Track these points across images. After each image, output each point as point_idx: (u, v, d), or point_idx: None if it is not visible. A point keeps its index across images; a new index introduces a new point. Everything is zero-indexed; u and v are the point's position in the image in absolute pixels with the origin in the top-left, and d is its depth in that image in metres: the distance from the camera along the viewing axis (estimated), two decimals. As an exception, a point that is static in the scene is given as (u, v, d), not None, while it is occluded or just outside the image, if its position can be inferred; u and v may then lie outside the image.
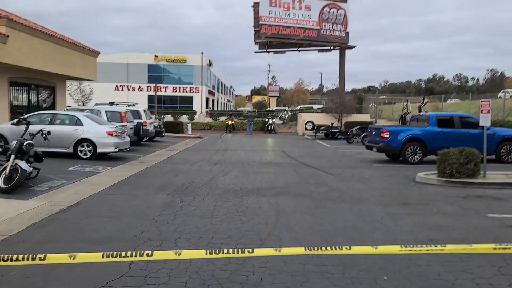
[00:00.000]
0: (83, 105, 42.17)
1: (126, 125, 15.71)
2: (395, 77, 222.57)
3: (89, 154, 13.63)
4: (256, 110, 48.57)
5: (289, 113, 42.56)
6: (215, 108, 65.35)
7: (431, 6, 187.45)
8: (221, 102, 78.62)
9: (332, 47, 44.42)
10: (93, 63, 27.21)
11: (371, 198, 8.48)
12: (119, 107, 19.58)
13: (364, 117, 32.92)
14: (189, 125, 30.89)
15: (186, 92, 57.76)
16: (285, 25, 42.18)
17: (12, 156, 8.36)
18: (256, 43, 45.50)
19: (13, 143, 8.64)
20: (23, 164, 8.33)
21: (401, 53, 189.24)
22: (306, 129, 31.54)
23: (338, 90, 37.34)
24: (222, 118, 40.74)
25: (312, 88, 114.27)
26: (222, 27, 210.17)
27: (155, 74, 57.76)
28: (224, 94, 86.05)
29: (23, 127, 13.57)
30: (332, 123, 29.48)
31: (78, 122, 13.92)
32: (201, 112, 45.64)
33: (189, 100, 57.32)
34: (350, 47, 44.29)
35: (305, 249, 3.31)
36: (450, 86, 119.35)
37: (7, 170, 8.25)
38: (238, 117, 40.98)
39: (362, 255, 4.98)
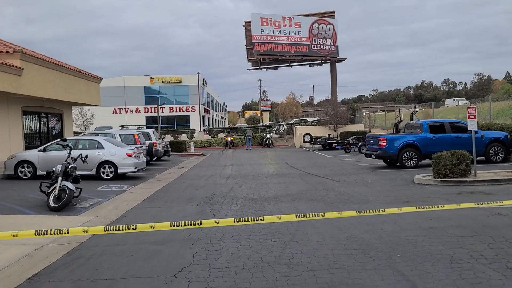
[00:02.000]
0: (85, 129, 43.31)
1: (142, 146, 16.81)
2: (384, 86, 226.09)
3: (110, 175, 14.69)
4: (252, 126, 49.81)
5: (285, 127, 43.82)
6: (211, 126, 66.60)
7: (415, 14, 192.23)
8: (215, 119, 79.90)
9: (323, 61, 46.08)
10: (97, 88, 28.44)
11: (376, 199, 9.65)
12: (130, 129, 20.66)
13: (358, 127, 34.25)
14: (192, 143, 32.04)
15: (183, 111, 59.00)
16: (277, 42, 43.81)
17: (60, 178, 9.42)
18: (249, 60, 47.05)
19: (58, 167, 9.69)
20: (70, 185, 9.41)
21: (388, 62, 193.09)
22: (304, 141, 32.82)
23: (331, 102, 38.80)
24: (221, 135, 41.93)
25: (303, 101, 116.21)
26: (210, 45, 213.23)
27: (152, 95, 59.07)
28: (218, 111, 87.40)
29: (51, 153, 14.75)
30: (329, 134, 30.78)
31: (99, 146, 15.01)
32: (200, 130, 46.78)
33: (186, 119, 58.56)
34: (341, 60, 46.00)
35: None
36: (438, 91, 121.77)
37: (56, 191, 9.32)
38: (236, 133, 42.18)
39: (376, 240, 6.15)
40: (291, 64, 46.92)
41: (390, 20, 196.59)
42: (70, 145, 11.12)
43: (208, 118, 69.10)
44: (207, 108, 67.54)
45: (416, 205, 8.79)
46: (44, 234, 4.10)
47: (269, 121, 75.80)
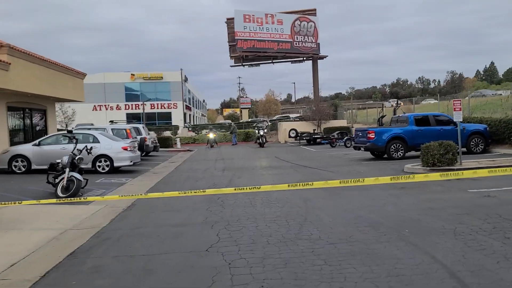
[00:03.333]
0: (66, 126, 42.71)
1: (137, 141, 17.00)
2: (360, 83, 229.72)
3: (106, 169, 14.85)
4: (237, 122, 50.11)
5: (269, 123, 44.37)
6: (192, 123, 66.58)
7: (390, 13, 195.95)
8: (196, 117, 79.85)
9: (304, 58, 46.82)
10: (81, 84, 28.25)
11: (372, 186, 10.20)
12: (121, 124, 20.75)
13: (341, 123, 35.06)
14: (178, 139, 32.21)
15: (164, 108, 58.83)
16: (260, 39, 44.26)
17: (67, 169, 9.63)
18: (231, 57, 47.37)
19: (65, 158, 9.88)
20: (78, 176, 9.64)
21: (365, 60, 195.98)
22: (290, 136, 33.36)
23: (314, 98, 39.52)
24: (205, 131, 42.13)
25: (281, 98, 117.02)
26: (187, 41, 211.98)
27: (132, 92, 58.69)
28: (198, 108, 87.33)
29: (45, 147, 14.82)
30: (314, 130, 31.45)
31: (95, 140, 15.12)
32: (184, 127, 46.86)
33: (168, 116, 58.43)
34: (322, 57, 46.81)
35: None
36: (413, 89, 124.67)
37: (65, 181, 9.52)
38: (220, 129, 42.47)
39: (383, 219, 6.68)
40: (273, 61, 47.51)
41: (366, 19, 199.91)
42: (77, 137, 11.27)
43: (190, 115, 69.04)
44: (188, 105, 67.48)
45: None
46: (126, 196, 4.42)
47: (249, 118, 76.30)
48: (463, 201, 7.93)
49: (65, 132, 13.26)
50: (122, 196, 8.90)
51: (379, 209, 7.48)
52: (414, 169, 12.45)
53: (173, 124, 53.26)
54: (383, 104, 31.71)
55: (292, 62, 48.08)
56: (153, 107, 58.83)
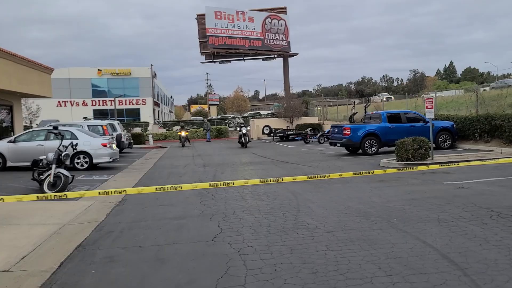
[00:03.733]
0: (31, 123, 41.43)
1: (115, 137, 16.88)
2: (327, 81, 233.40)
3: (85, 165, 14.72)
4: (209, 119, 50.03)
5: (241, 120, 44.63)
6: (160, 119, 65.87)
7: (354, 12, 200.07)
8: (164, 113, 78.97)
9: (275, 56, 47.35)
10: (49, 80, 27.57)
11: (354, 179, 10.71)
12: (98, 121, 20.49)
13: (312, 120, 35.84)
14: (151, 136, 31.96)
15: (133, 104, 57.90)
16: (231, 36, 44.41)
17: (54, 166, 9.58)
18: (202, 53, 47.26)
19: (50, 155, 9.81)
20: (65, 172, 9.61)
21: (331, 58, 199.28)
22: (263, 133, 33.79)
23: (285, 95, 40.11)
24: (176, 128, 41.87)
25: (248, 95, 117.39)
26: (152, 37, 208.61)
27: (99, 88, 57.45)
28: (166, 104, 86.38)
29: (21, 144, 14.57)
30: (288, 126, 32.02)
31: (73, 136, 14.92)
32: (154, 123, 46.40)
33: (136, 112, 57.56)
34: (293, 55, 47.52)
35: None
36: (378, 87, 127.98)
37: (52, 178, 9.48)
38: (192, 126, 42.37)
39: (371, 209, 7.15)
40: (244, 58, 47.73)
41: (332, 17, 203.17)
42: (62, 134, 11.18)
43: (158, 111, 68.24)
44: (157, 101, 66.70)
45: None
46: (105, 193, 4.59)
47: (218, 115, 76.19)
48: (440, 192, 8.53)
49: (51, 129, 13.07)
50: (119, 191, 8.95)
51: (366, 200, 7.95)
52: (390, 163, 13.10)
53: (141, 120, 52.55)
54: (354, 102, 32.63)
55: (263, 59, 48.48)
56: (121, 103, 57.72)
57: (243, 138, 25.50)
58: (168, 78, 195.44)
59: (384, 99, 51.60)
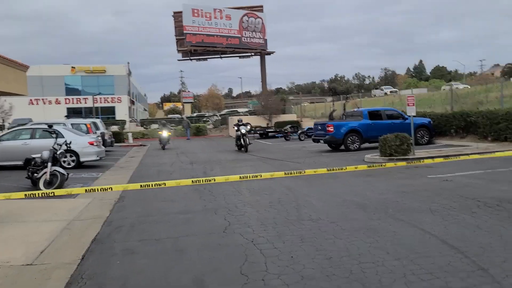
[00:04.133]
0: (3, 121, 40.26)
1: (101, 135, 16.80)
2: (300, 79, 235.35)
3: (72, 164, 14.63)
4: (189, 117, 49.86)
5: (219, 118, 44.76)
6: (135, 117, 65.11)
7: (326, 11, 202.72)
8: (138, 111, 78.05)
9: (253, 54, 47.68)
10: (24, 77, 26.93)
11: (343, 174, 11.14)
12: (80, 119, 20.27)
13: (291, 117, 36.35)
14: (130, 134, 31.73)
15: (108, 102, 56.98)
16: (208, 34, 44.44)
17: (49, 164, 9.60)
18: (179, 51, 47.09)
19: (45, 153, 9.81)
20: (61, 170, 9.63)
21: (304, 56, 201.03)
22: (243, 130, 33.92)
23: (263, 93, 40.49)
24: (154, 126, 41.64)
25: (222, 93, 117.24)
26: (123, 33, 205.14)
27: (73, 86, 56.31)
28: (140, 102, 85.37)
29: (5, 143, 14.39)
30: (268, 124, 32.38)
31: (59, 135, 14.79)
32: (131, 121, 45.93)
33: (112, 110, 56.68)
34: (269, 53, 47.95)
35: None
36: (350, 85, 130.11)
37: (48, 176, 9.49)
38: (170, 124, 42.20)
39: (367, 202, 7.56)
40: (221, 55, 47.83)
41: (304, 16, 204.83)
42: (57, 132, 11.13)
43: (133, 109, 67.41)
44: (132, 99, 65.90)
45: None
46: (92, 191, 4.78)
47: (192, 113, 75.91)
48: (428, 185, 9.05)
49: (46, 127, 12.95)
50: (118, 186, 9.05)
51: (360, 194, 8.37)
52: (374, 159, 13.63)
53: (117, 118, 51.87)
54: (332, 100, 33.31)
55: (240, 57, 48.72)
56: (96, 101, 56.75)
57: (242, 140, 20.21)
58: (141, 75, 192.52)
59: (389, 92, 53.03)
